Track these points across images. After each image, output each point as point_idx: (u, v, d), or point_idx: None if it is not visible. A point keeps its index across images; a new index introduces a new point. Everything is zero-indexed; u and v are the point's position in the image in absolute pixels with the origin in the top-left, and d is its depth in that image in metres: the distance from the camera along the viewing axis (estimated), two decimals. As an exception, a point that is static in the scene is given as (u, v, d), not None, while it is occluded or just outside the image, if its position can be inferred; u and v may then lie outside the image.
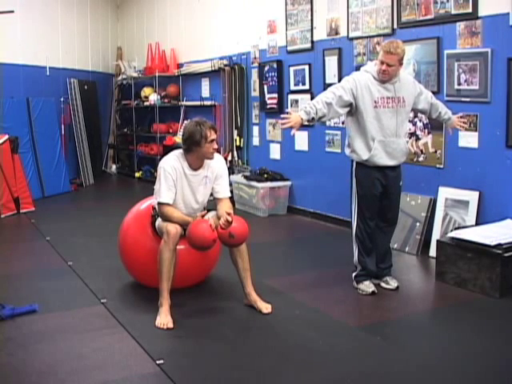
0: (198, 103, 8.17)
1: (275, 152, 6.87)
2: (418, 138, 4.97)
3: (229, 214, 3.40)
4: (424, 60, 4.83)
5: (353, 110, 3.76)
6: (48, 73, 8.72)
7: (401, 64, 3.69)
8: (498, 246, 3.74)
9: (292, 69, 6.41)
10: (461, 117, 4.12)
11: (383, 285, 3.96)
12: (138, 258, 3.83)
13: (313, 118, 3.69)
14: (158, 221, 3.68)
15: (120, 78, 10.06)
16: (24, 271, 4.46)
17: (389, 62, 3.61)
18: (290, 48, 6.42)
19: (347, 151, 3.91)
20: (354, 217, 3.93)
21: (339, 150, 5.84)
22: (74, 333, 3.24)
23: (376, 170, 3.80)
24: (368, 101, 3.71)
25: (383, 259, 4.00)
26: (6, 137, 6.60)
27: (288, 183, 6.61)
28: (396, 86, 3.74)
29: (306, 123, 3.78)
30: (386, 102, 3.72)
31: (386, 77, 3.68)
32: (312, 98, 6.13)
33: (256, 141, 7.23)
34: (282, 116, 3.76)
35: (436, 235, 4.62)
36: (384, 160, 3.77)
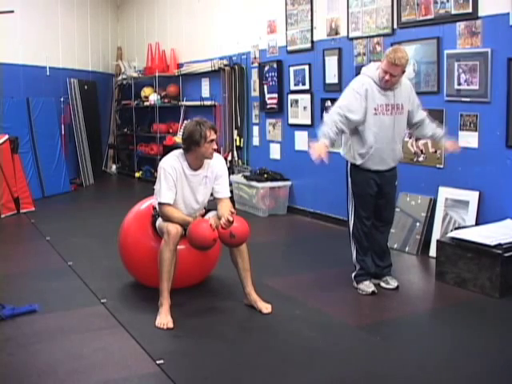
0: (198, 103, 8.17)
1: (275, 152, 6.86)
2: (418, 138, 4.97)
3: (231, 214, 3.40)
4: (424, 60, 4.83)
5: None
6: (48, 73, 8.71)
7: (403, 72, 3.69)
8: (498, 246, 3.74)
9: (292, 69, 6.40)
10: (454, 143, 4.04)
11: (383, 284, 3.96)
12: (139, 258, 3.83)
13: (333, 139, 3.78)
14: (159, 221, 3.68)
15: (120, 77, 10.06)
16: (24, 271, 4.46)
17: (392, 73, 3.62)
18: (289, 48, 6.42)
19: (343, 151, 3.96)
20: (350, 216, 3.95)
21: (339, 150, 5.82)
22: (74, 333, 3.24)
23: (370, 170, 3.83)
24: (369, 109, 3.72)
25: (381, 257, 4.00)
26: (6, 137, 6.60)
27: (288, 183, 6.61)
28: (396, 92, 3.75)
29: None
30: (385, 110, 3.73)
31: (388, 85, 3.70)
32: (312, 98, 6.18)
33: (256, 141, 7.22)
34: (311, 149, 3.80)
35: (436, 235, 4.62)
36: (376, 166, 3.80)
